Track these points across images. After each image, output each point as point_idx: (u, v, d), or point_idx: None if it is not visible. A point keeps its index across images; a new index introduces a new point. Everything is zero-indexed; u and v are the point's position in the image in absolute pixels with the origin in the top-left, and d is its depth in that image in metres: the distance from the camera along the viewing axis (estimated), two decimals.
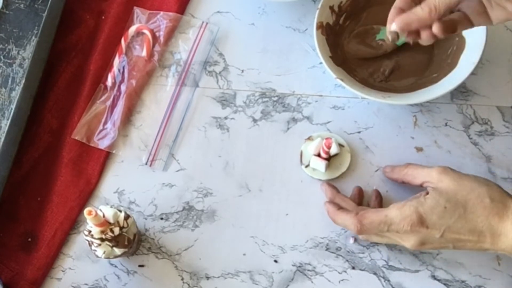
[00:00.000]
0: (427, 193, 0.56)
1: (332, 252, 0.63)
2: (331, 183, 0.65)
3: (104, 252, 0.58)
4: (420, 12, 0.51)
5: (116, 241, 0.57)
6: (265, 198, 0.66)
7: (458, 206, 0.54)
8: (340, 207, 0.61)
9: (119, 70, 0.71)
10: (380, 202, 0.63)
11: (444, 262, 0.62)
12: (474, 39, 0.64)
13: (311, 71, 0.70)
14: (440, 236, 0.54)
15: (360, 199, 0.64)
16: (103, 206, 0.58)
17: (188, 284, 0.63)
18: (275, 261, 0.63)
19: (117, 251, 0.58)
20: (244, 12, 0.74)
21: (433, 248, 0.56)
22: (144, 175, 0.68)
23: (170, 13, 0.73)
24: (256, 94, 0.70)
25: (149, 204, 0.66)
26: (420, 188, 0.59)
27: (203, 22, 0.73)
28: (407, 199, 0.56)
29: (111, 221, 0.57)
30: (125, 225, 0.58)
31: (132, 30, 0.72)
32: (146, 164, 0.68)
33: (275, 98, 0.70)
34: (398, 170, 0.62)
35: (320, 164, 0.64)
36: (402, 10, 0.53)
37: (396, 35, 0.54)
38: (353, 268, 0.63)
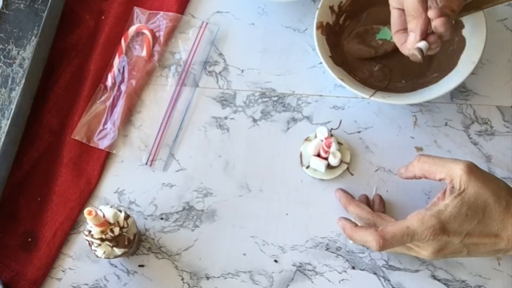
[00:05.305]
0: (444, 194, 0.55)
1: (332, 252, 0.63)
2: (344, 190, 0.64)
3: (104, 252, 0.58)
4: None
5: (116, 241, 0.57)
6: (265, 198, 0.66)
7: (478, 212, 0.53)
8: (356, 224, 0.59)
9: (119, 70, 0.71)
10: (384, 206, 0.63)
11: (444, 262, 0.62)
12: (474, 39, 0.63)
13: (311, 71, 0.70)
14: (460, 242, 0.53)
15: (367, 205, 0.62)
16: (103, 206, 0.58)
17: (188, 284, 0.63)
18: (275, 261, 0.63)
19: (117, 251, 0.58)
20: (244, 12, 0.74)
21: (449, 254, 0.55)
22: (144, 175, 0.68)
23: (170, 13, 0.73)
24: (256, 94, 0.70)
25: (149, 204, 0.66)
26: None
27: (203, 22, 0.73)
28: (425, 208, 0.54)
29: (111, 221, 0.57)
30: (125, 225, 0.58)
31: (132, 30, 0.72)
32: (146, 164, 0.68)
33: (275, 98, 0.70)
34: (411, 167, 0.59)
35: (320, 164, 0.64)
36: (404, 30, 0.59)
37: (421, 51, 0.57)
38: (353, 268, 0.62)
